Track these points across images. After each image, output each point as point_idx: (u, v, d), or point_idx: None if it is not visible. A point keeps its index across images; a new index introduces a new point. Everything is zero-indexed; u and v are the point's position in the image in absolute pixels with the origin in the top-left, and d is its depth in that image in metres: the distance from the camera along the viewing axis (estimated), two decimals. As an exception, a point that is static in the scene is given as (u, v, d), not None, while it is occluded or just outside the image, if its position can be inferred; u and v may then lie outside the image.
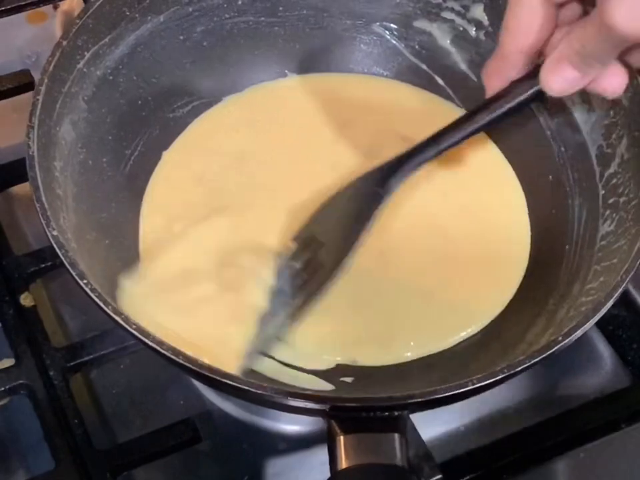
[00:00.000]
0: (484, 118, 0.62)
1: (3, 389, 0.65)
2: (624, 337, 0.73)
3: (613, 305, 0.72)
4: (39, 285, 0.72)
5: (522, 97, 0.59)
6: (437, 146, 0.63)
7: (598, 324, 0.72)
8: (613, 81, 0.56)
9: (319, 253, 0.63)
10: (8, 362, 0.67)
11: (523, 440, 0.66)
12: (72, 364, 0.67)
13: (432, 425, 0.67)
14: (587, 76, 0.54)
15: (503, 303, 0.67)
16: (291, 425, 0.67)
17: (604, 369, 0.72)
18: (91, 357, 0.67)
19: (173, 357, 0.52)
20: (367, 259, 0.66)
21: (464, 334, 0.65)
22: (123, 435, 0.67)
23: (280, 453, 0.67)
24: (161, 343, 0.52)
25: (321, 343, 0.64)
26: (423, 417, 0.63)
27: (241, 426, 0.68)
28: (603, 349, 0.73)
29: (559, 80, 0.55)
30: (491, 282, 0.67)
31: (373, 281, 0.67)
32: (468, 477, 0.64)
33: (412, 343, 0.64)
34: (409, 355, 0.64)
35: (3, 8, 0.84)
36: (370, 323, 0.65)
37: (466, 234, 0.69)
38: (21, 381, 0.66)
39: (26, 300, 0.70)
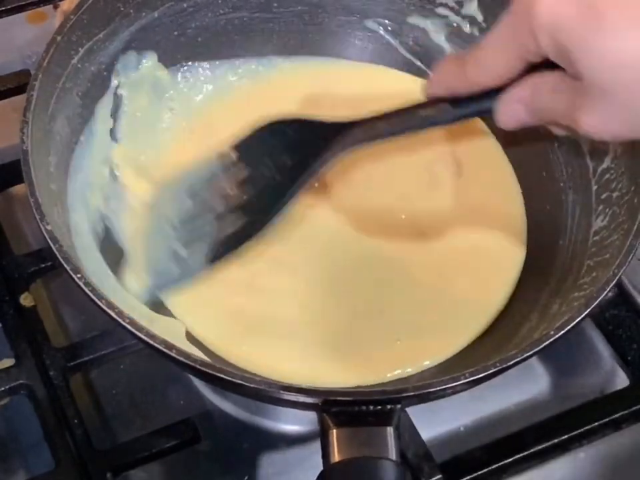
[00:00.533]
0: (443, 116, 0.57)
1: (2, 388, 0.65)
2: (624, 337, 0.73)
3: (613, 305, 0.73)
4: (39, 285, 0.72)
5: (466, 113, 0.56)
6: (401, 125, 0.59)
7: (598, 324, 0.73)
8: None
9: (254, 184, 0.62)
10: (8, 362, 0.67)
11: (523, 440, 0.66)
12: (72, 364, 0.67)
13: (432, 425, 0.67)
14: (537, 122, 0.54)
15: (500, 304, 0.67)
16: (291, 425, 0.67)
17: (604, 368, 0.72)
18: (91, 356, 0.67)
19: (165, 350, 0.52)
20: (354, 267, 0.67)
21: (460, 343, 0.65)
22: (122, 435, 0.67)
23: (280, 452, 0.67)
24: (153, 337, 0.52)
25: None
26: (423, 417, 0.63)
27: (241, 426, 0.68)
28: (603, 348, 0.73)
29: (511, 120, 0.54)
30: (488, 283, 0.67)
31: (364, 293, 0.66)
32: (468, 477, 0.64)
33: (407, 361, 0.64)
34: (398, 372, 0.63)
35: (3, 8, 0.84)
36: (360, 339, 0.65)
37: (462, 232, 0.69)
38: (21, 381, 0.65)
39: (26, 300, 0.70)
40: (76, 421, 0.64)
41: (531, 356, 0.53)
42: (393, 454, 0.51)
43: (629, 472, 0.67)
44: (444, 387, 0.52)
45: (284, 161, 0.61)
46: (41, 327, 0.69)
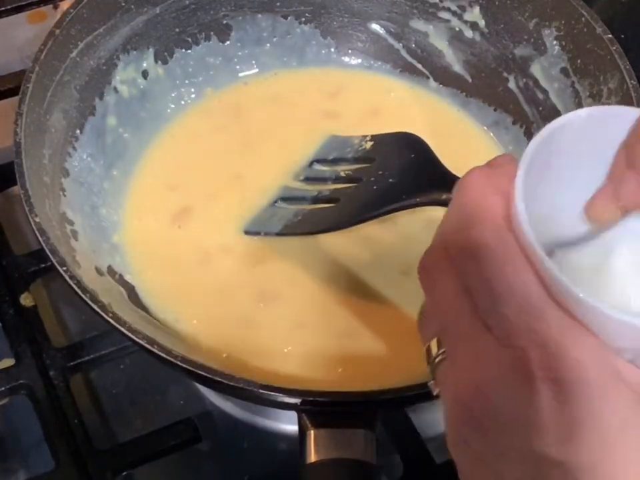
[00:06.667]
0: None
1: (3, 388, 0.65)
2: (624, 337, 0.73)
3: (612, 305, 0.73)
4: (38, 285, 0.72)
5: None
6: None
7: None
8: None
9: (363, 182, 0.63)
10: (8, 362, 0.67)
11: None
12: (72, 364, 0.67)
13: (432, 425, 0.67)
14: None
15: None
16: (291, 425, 0.67)
17: (604, 368, 0.72)
18: (91, 357, 0.67)
19: (147, 345, 0.51)
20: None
21: None
22: (122, 435, 0.67)
23: (280, 453, 0.67)
24: (136, 332, 0.52)
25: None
26: (423, 417, 0.63)
27: (241, 426, 0.68)
28: (603, 348, 0.73)
29: None
30: None
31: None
32: (468, 477, 0.64)
33: None
34: None
35: (3, 8, 0.83)
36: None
37: None
38: (21, 381, 0.66)
39: (26, 300, 0.70)
40: (76, 421, 0.64)
41: None
42: (369, 456, 0.50)
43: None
44: (423, 391, 0.51)
45: (391, 177, 0.62)
46: (40, 327, 0.69)
